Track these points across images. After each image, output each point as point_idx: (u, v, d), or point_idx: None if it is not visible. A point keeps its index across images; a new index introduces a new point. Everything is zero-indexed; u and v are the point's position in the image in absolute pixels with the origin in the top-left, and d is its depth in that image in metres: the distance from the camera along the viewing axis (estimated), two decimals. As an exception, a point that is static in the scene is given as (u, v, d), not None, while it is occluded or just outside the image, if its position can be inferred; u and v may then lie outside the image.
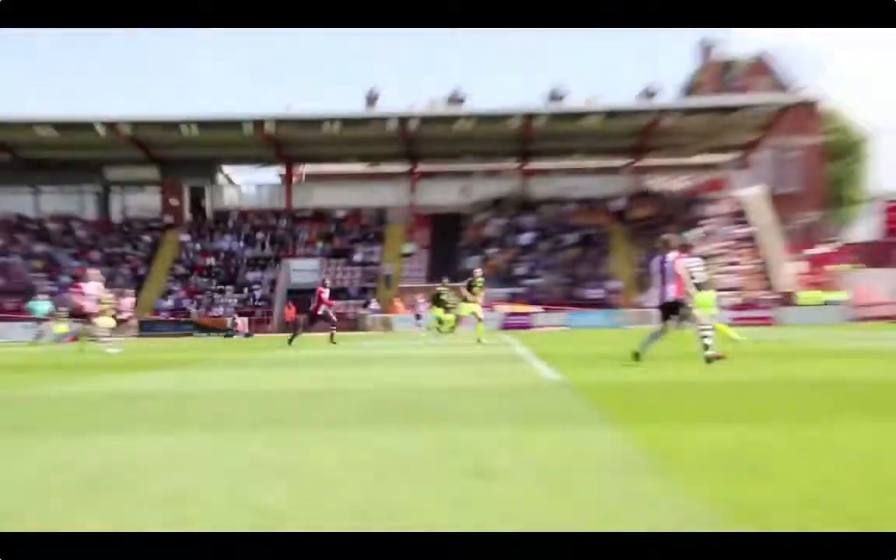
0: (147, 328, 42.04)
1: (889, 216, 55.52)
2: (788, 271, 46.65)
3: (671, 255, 11.67)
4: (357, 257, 49.77)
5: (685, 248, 14.32)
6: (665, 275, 11.59)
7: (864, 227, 62.75)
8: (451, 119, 50.68)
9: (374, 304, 45.54)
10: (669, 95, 58.04)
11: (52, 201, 52.68)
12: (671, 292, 11.73)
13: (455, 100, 55.27)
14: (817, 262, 48.49)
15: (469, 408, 7.35)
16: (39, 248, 48.74)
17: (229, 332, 42.31)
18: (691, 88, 64.57)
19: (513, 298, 45.25)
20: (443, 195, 52.83)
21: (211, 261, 49.54)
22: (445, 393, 8.73)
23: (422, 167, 54.35)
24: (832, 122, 62.62)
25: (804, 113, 53.98)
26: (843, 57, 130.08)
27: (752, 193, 51.67)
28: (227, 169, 57.02)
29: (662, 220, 48.30)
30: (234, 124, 48.31)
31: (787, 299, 43.24)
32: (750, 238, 48.83)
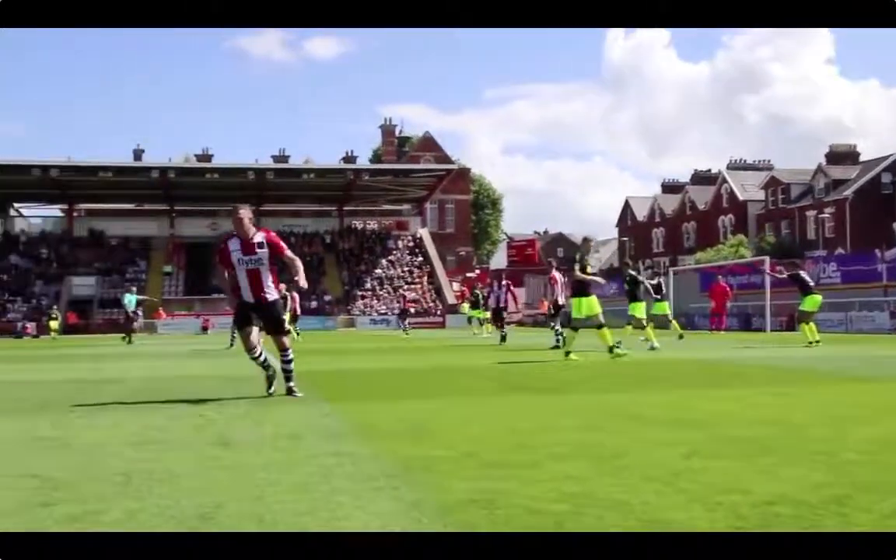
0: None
1: (512, 252, 79.27)
2: (451, 289, 65.30)
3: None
4: (127, 275, 62.41)
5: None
6: None
7: (498, 259, 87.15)
8: (201, 171, 65.59)
9: (140, 312, 58.58)
10: (363, 161, 77.94)
11: None
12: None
13: (204, 157, 70.21)
14: (468, 283, 69.42)
15: (215, 391, 8.73)
16: None
17: (19, 334, 50.62)
18: (378, 157, 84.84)
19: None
20: (196, 229, 67.11)
21: (4, 276, 60.11)
22: (195, 380, 9.96)
23: (178, 206, 68.38)
24: (476, 185, 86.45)
25: (458, 177, 75.56)
26: (486, 140, 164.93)
27: (424, 233, 71.01)
28: (18, 204, 67.37)
29: (362, 250, 67.04)
30: (24, 169, 58.62)
31: (451, 309, 59.57)
32: (423, 265, 68.19)
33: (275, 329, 8.28)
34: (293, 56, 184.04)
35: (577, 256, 14.31)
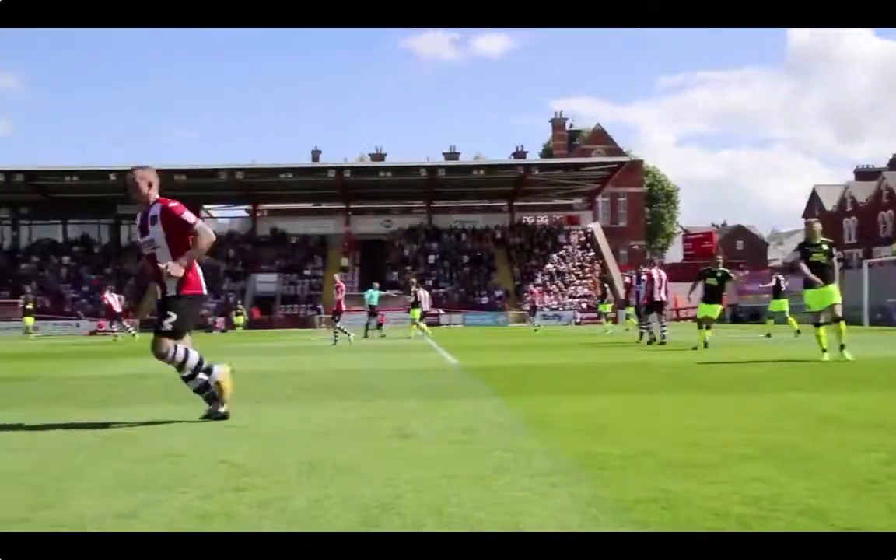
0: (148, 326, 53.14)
1: (688, 245, 76.72)
2: (623, 284, 64.82)
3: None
4: (306, 272, 65.32)
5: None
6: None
7: (673, 253, 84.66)
8: (375, 170, 67.45)
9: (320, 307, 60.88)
10: (533, 155, 77.76)
11: (76, 230, 67.12)
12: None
13: (378, 156, 72.27)
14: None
15: (391, 385, 8.96)
16: (66, 264, 62.68)
17: (209, 328, 53.09)
18: (548, 151, 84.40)
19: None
20: (370, 226, 69.32)
21: (196, 275, 64.38)
22: (374, 374, 10.25)
23: (353, 205, 70.82)
24: (650, 177, 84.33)
25: (630, 169, 73.95)
26: (659, 131, 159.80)
27: (595, 227, 69.97)
28: (207, 205, 72.02)
29: (533, 245, 66.88)
30: (213, 172, 62.38)
31: (623, 304, 59.99)
32: (595, 259, 67.13)
33: (157, 323, 6.06)
34: (461, 54, 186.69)
35: (801, 246, 12.92)
